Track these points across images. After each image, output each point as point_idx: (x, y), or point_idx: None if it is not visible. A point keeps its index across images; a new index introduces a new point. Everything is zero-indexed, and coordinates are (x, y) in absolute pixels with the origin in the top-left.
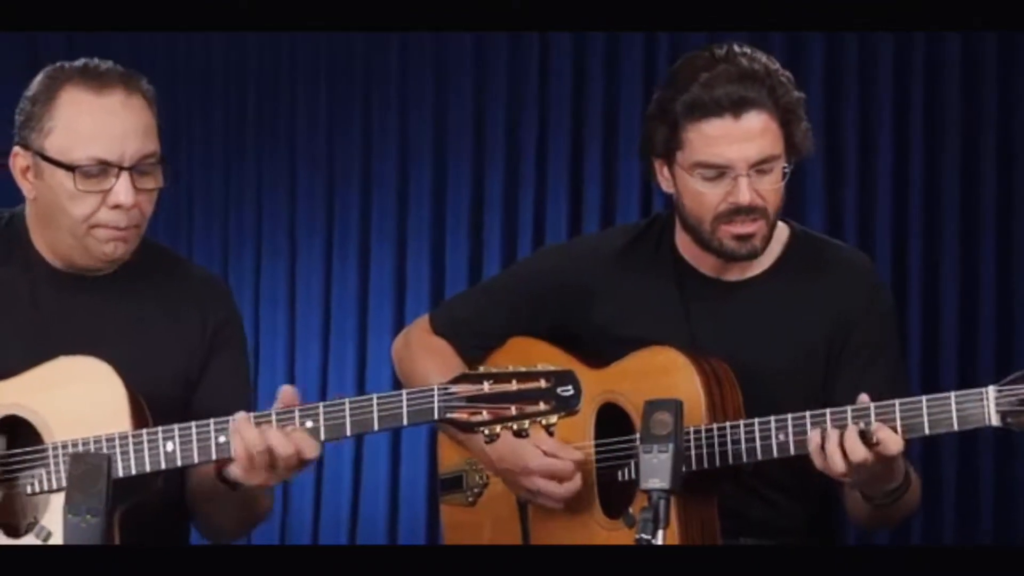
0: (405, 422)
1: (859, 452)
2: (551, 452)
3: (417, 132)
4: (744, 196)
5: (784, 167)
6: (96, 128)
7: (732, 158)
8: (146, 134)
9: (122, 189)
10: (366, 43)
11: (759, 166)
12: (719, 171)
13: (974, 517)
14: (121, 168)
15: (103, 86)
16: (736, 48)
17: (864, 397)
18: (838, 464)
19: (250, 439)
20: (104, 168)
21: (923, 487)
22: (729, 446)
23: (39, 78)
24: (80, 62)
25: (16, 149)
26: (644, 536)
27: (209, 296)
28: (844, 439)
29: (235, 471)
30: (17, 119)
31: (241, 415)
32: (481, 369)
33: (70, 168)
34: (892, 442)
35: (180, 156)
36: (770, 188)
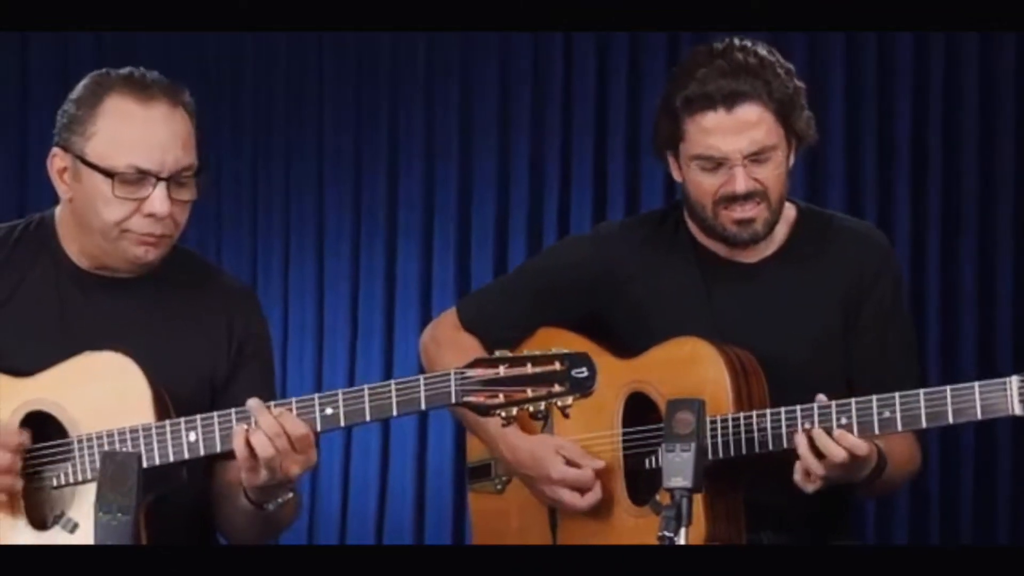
0: (423, 406)
1: (835, 453)
2: (573, 461)
3: (443, 131)
4: (740, 186)
5: (786, 154)
6: (138, 137)
7: (727, 150)
8: (185, 146)
9: (158, 199)
10: (392, 43)
11: (755, 156)
12: (715, 162)
13: (991, 518)
14: (159, 178)
15: (148, 97)
16: (736, 42)
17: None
18: (815, 465)
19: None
20: (142, 177)
21: (940, 489)
22: (756, 434)
23: (84, 82)
24: (126, 70)
25: (55, 150)
26: (667, 534)
27: (237, 305)
28: (816, 440)
29: (244, 478)
30: (59, 121)
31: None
32: (497, 353)
33: (109, 174)
34: (857, 447)
35: (209, 156)
36: (770, 175)
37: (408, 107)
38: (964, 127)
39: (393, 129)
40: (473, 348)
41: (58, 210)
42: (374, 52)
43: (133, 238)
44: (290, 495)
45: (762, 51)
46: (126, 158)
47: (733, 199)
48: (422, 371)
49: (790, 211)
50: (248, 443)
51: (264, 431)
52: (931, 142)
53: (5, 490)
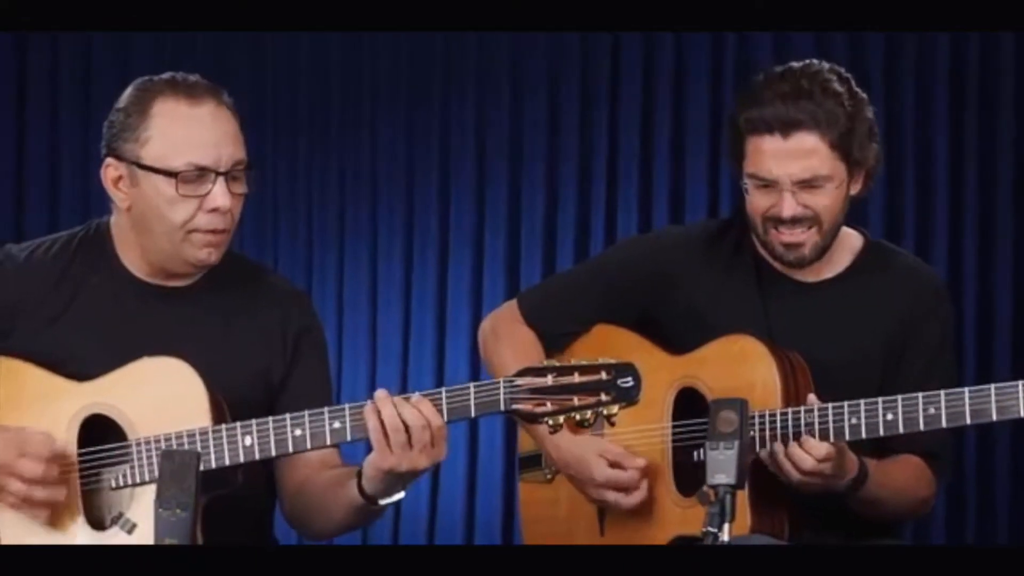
0: (473, 414)
1: (806, 461)
2: (615, 462)
3: (494, 133)
4: (787, 210)
5: (844, 183)
6: (192, 136)
7: (778, 174)
8: (235, 141)
9: (219, 193)
10: (444, 46)
11: (806, 183)
12: (767, 183)
13: None
14: (217, 173)
15: (194, 96)
16: (810, 66)
17: None
18: (792, 471)
19: (387, 415)
20: (202, 173)
21: (977, 491)
22: (803, 429)
23: (129, 91)
24: (167, 75)
25: (108, 160)
26: (711, 529)
27: (290, 305)
28: (789, 452)
29: (372, 460)
30: (107, 132)
31: (381, 392)
32: (544, 362)
33: (171, 174)
34: (815, 448)
35: (265, 162)
36: (822, 202)
37: (459, 110)
38: (1000, 133)
39: (444, 132)
40: (530, 343)
41: (112, 219)
42: (426, 55)
43: (198, 239)
44: (402, 493)
45: (831, 79)
46: (184, 157)
47: (780, 221)
48: (475, 369)
49: (857, 241)
50: (381, 422)
51: (400, 414)
52: (966, 147)
53: (46, 502)
